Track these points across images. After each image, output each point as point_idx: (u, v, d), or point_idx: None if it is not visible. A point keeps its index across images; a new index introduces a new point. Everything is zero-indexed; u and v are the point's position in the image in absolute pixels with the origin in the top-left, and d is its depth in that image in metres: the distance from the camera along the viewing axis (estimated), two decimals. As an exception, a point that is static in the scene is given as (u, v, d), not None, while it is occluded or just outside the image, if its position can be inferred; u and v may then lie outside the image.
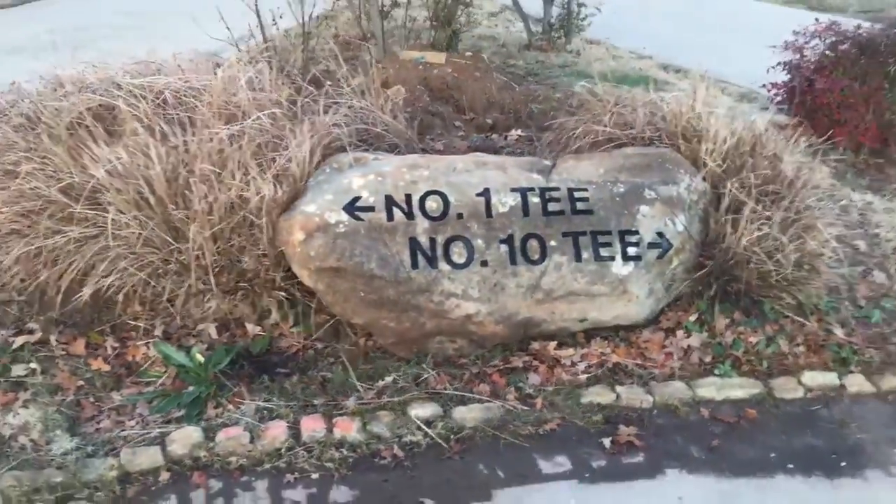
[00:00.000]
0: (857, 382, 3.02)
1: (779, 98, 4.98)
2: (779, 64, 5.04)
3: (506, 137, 4.74)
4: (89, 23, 9.24)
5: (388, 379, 3.03)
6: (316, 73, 4.27)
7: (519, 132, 4.77)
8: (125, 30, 8.76)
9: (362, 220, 3.07)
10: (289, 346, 3.24)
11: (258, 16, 5.58)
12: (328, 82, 4.24)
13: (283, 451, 2.67)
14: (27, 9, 10.24)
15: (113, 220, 3.07)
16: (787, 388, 2.99)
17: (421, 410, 2.85)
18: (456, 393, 2.97)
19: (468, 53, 5.73)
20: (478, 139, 4.58)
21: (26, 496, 2.42)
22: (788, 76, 5.02)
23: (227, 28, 5.41)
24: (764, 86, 5.16)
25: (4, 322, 3.21)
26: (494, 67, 6.13)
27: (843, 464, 2.67)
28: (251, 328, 3.26)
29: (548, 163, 3.46)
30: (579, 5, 8.25)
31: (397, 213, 3.11)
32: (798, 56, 4.99)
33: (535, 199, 3.21)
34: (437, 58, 5.12)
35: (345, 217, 3.06)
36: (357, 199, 3.11)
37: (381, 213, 3.10)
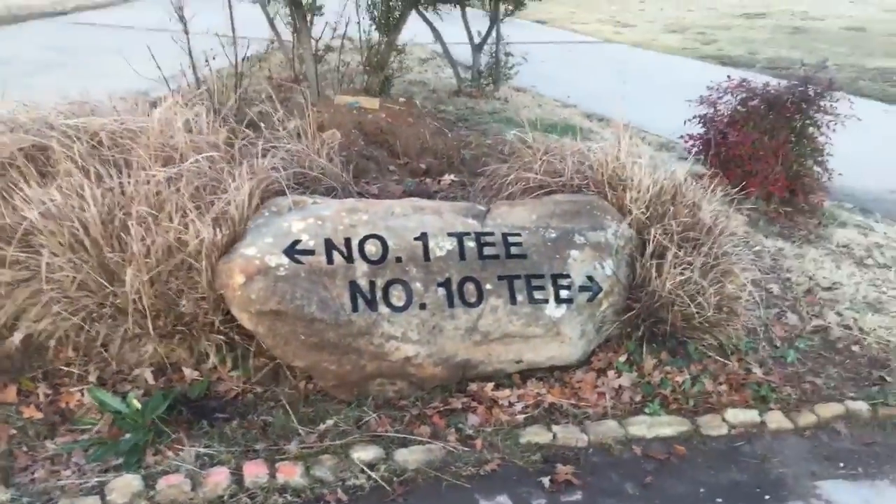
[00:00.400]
0: (776, 419, 3.21)
1: (695, 149, 5.28)
2: (695, 117, 5.35)
3: (439, 182, 4.86)
4: (13, 56, 8.99)
5: (330, 422, 3.04)
6: (251, 115, 4.31)
7: (452, 177, 4.90)
8: (52, 66, 8.58)
9: (302, 263, 3.11)
10: (227, 390, 3.21)
11: (190, 56, 5.59)
12: (263, 125, 4.28)
13: (225, 497, 2.64)
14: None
15: (47, 263, 3.02)
16: (712, 426, 3.15)
17: (363, 453, 2.87)
18: (397, 435, 3.00)
19: (401, 99, 5.86)
20: (412, 184, 4.69)
21: (-48, 553, 2.33)
22: (703, 129, 5.33)
23: (158, 67, 5.40)
24: (681, 137, 5.46)
25: (-74, 370, 3.09)
26: (426, 113, 6.29)
27: (766, 497, 2.82)
28: (188, 373, 3.22)
29: (482, 208, 3.58)
30: (507, 54, 8.56)
31: (337, 256, 3.16)
32: (712, 110, 5.31)
33: (470, 244, 3.32)
34: (371, 103, 5.22)
35: (285, 260, 3.09)
36: (297, 242, 3.15)
37: (321, 257, 3.14)
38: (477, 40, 8.47)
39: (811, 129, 5.10)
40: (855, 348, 3.70)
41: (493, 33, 8.46)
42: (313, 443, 2.94)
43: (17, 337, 3.06)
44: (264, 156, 3.62)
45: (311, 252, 3.13)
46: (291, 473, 2.76)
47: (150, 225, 3.10)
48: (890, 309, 4.05)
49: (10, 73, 8.11)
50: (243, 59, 6.01)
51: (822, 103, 5.06)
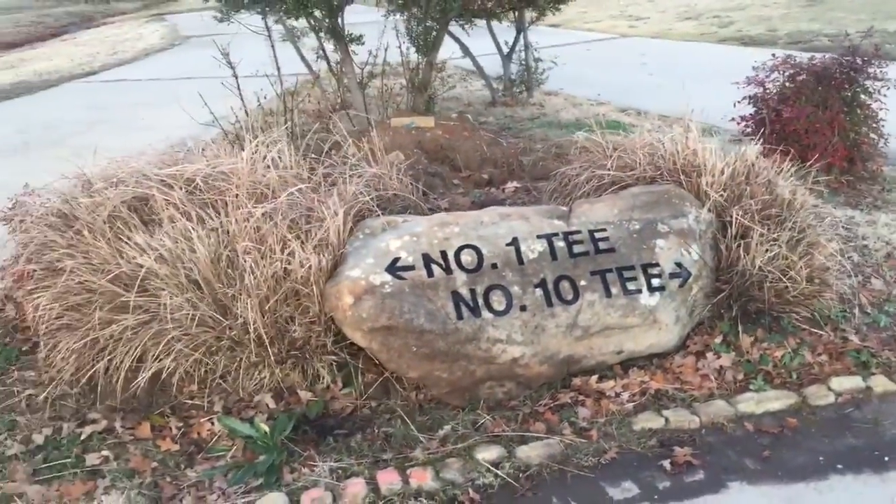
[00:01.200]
0: (880, 383, 3.26)
1: (748, 130, 5.35)
2: (744, 98, 5.42)
3: (503, 190, 4.99)
4: (57, 119, 9.33)
5: (448, 427, 3.16)
6: (322, 145, 4.48)
7: (515, 184, 5.03)
8: (95, 123, 8.89)
9: (405, 278, 3.25)
10: (342, 407, 3.35)
11: (240, 97, 5.81)
12: (334, 152, 4.45)
13: (365, 506, 2.78)
14: (-12, 110, 10.28)
15: (164, 304, 3.19)
16: (819, 396, 3.22)
17: (486, 454, 2.99)
18: (515, 434, 3.11)
19: (453, 115, 6.01)
20: (480, 194, 4.82)
21: (128, 580, 2.48)
22: (755, 109, 5.40)
23: (211, 112, 5.61)
24: (732, 119, 5.54)
25: (64, 415, 3.27)
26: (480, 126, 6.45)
27: (886, 458, 2.89)
28: (303, 394, 3.36)
29: (564, 209, 3.70)
30: (536, 60, 8.69)
31: (436, 269, 3.30)
32: (761, 89, 5.38)
33: (560, 244, 3.44)
34: (427, 121, 5.38)
35: (388, 278, 3.23)
36: (397, 259, 3.29)
37: (421, 271, 3.28)
38: (505, 50, 8.63)
39: (863, 97, 5.15)
40: (945, 306, 3.75)
41: (521, 41, 8.61)
42: (436, 448, 3.06)
43: (144, 376, 3.23)
44: (348, 182, 3.77)
45: (411, 268, 3.27)
46: (423, 478, 2.88)
47: (256, 258, 3.26)
48: (970, 264, 4.09)
49: (60, 135, 8.46)
50: (285, 95, 6.22)
51: (870, 70, 5.12)
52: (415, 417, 3.23)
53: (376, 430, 3.19)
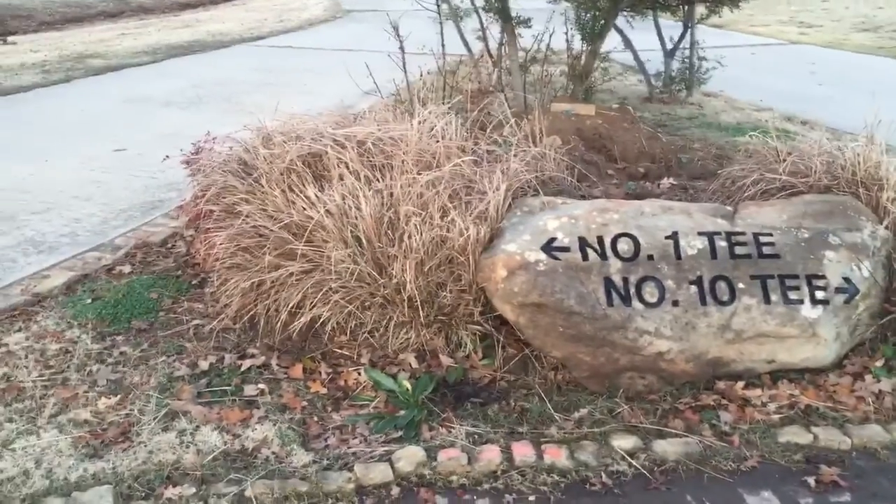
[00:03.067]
0: None
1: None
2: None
3: (658, 185, 4.90)
4: (228, 78, 9.94)
5: (584, 411, 3.18)
6: (485, 122, 4.57)
7: (671, 181, 4.93)
8: (262, 85, 9.42)
9: (559, 259, 3.28)
10: (481, 377, 3.43)
11: (404, 70, 5.98)
12: (498, 131, 4.52)
13: (498, 473, 2.84)
14: (166, 65, 11.09)
15: (328, 256, 3.37)
16: None
17: (622, 442, 2.99)
18: (652, 427, 3.09)
19: (614, 105, 5.95)
20: (634, 186, 4.76)
21: (277, 503, 2.66)
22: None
23: (375, 83, 5.81)
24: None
25: (226, 347, 3.53)
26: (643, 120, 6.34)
27: None
28: (444, 359, 3.46)
29: (729, 209, 3.60)
30: (700, 59, 8.43)
31: (591, 253, 3.30)
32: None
33: (721, 243, 3.36)
34: (587, 109, 5.36)
35: (543, 256, 3.27)
36: (553, 239, 3.32)
37: (576, 254, 3.30)
38: (669, 46, 8.42)
39: None
40: None
41: (686, 38, 8.36)
42: (571, 429, 3.09)
43: (302, 321, 3.43)
44: (510, 159, 3.83)
45: (566, 249, 3.30)
46: (557, 455, 2.91)
47: (416, 223, 3.38)
48: None
49: (231, 92, 9.02)
50: (446, 73, 6.35)
51: None
52: (552, 396, 3.27)
53: (513, 404, 3.25)
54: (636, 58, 8.37)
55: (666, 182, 4.92)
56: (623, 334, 3.22)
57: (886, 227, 3.48)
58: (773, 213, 3.51)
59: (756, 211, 3.54)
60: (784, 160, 3.84)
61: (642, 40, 8.38)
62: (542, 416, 3.17)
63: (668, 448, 2.96)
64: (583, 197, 4.31)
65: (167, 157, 4.76)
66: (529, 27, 6.39)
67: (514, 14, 6.47)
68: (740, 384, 3.29)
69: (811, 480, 2.82)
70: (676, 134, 6.61)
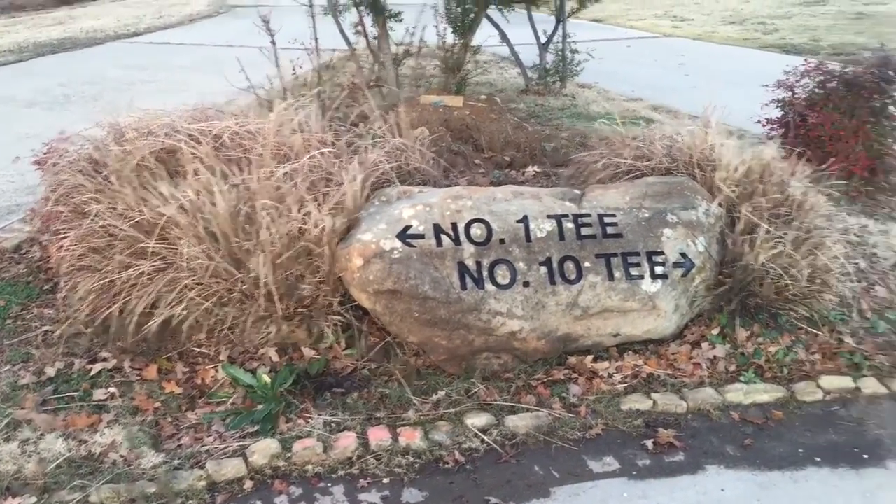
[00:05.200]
0: (870, 385, 3.30)
1: (773, 132, 5.36)
2: (773, 101, 5.43)
3: (523, 173, 5.07)
4: (98, 76, 9.56)
5: (442, 393, 3.27)
6: (351, 115, 4.60)
7: (536, 168, 5.11)
8: (135, 83, 9.10)
9: (414, 246, 3.35)
10: (343, 367, 3.47)
11: (277, 66, 5.92)
12: (362, 124, 4.56)
13: (354, 459, 2.89)
14: (33, 64, 10.57)
15: (181, 253, 3.32)
16: (807, 392, 3.27)
17: (476, 420, 3.09)
18: (505, 404, 3.21)
19: (482, 97, 6.08)
20: (499, 174, 4.91)
21: (125, 505, 2.62)
22: (782, 112, 5.40)
23: (247, 78, 5.74)
24: (758, 121, 5.54)
25: (76, 352, 3.43)
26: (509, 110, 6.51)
27: (865, 456, 2.94)
28: (307, 352, 3.48)
29: (577, 192, 3.77)
30: (573, 51, 8.71)
31: (445, 239, 3.39)
32: (790, 94, 5.38)
33: (569, 225, 3.51)
34: (455, 101, 5.46)
35: (398, 244, 3.34)
36: (408, 227, 3.39)
37: (430, 240, 3.38)
38: (543, 39, 8.66)
39: (891, 109, 5.13)
40: (946, 318, 3.76)
41: (559, 32, 8.63)
42: (428, 412, 3.17)
43: (156, 321, 3.37)
44: (370, 151, 3.87)
45: (421, 236, 3.37)
46: (412, 437, 2.99)
47: (273, 216, 3.38)
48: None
49: (100, 90, 8.69)
50: (321, 67, 6.34)
51: (900, 83, 5.09)
52: (412, 381, 3.34)
53: (373, 391, 3.31)
54: (512, 51, 8.56)
55: (531, 169, 5.09)
56: (477, 316, 3.32)
57: (720, 205, 3.72)
58: (616, 195, 3.69)
59: (602, 193, 3.72)
60: (629, 145, 4.04)
61: (519, 34, 8.58)
62: (401, 400, 3.24)
63: (518, 423, 3.09)
64: (449, 186, 4.42)
65: (17, 158, 4.56)
66: (401, 21, 6.45)
67: (388, 8, 6.51)
68: (589, 358, 3.46)
69: (649, 443, 3.00)
70: (547, 124, 6.81)
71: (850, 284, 3.80)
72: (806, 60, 5.49)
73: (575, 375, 3.39)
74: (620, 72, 10.05)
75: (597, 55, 9.02)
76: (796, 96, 5.39)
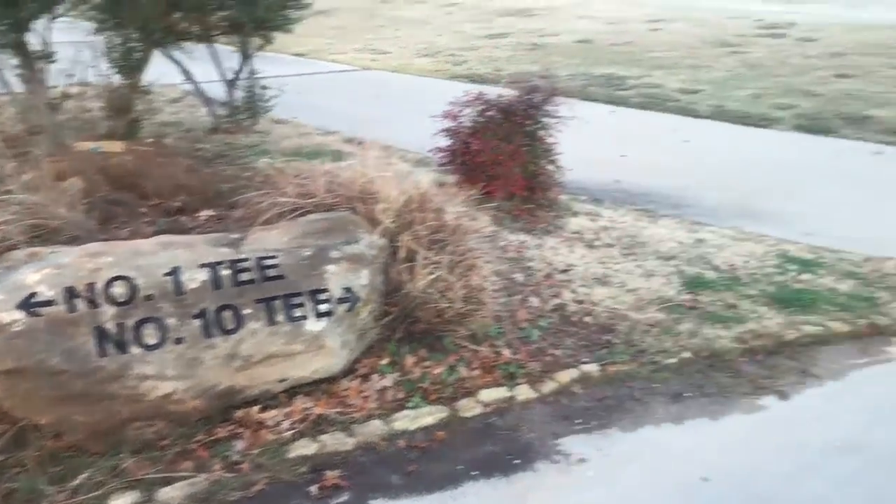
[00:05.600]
0: (523, 392, 3.54)
1: (444, 160, 5.66)
2: (441, 130, 5.73)
3: (195, 218, 4.81)
4: None
5: (83, 476, 2.90)
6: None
7: (210, 212, 4.87)
8: None
9: (41, 315, 2.98)
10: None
11: None
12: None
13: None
14: None
15: None
16: (468, 408, 3.41)
17: (120, 501, 2.80)
18: (158, 476, 2.94)
19: (149, 140, 5.71)
20: (164, 223, 4.60)
21: None
22: (450, 140, 5.72)
23: None
24: (430, 150, 5.83)
25: None
26: (181, 152, 6.18)
27: (516, 461, 3.12)
28: None
29: (236, 236, 3.62)
30: (262, 87, 8.59)
31: (79, 303, 3.06)
32: (455, 123, 5.72)
33: (225, 272, 3.35)
34: (114, 146, 5.06)
35: (20, 315, 2.95)
36: (33, 294, 3.01)
37: (61, 306, 3.02)
38: (230, 76, 8.43)
39: (541, 132, 5.66)
40: (587, 319, 4.16)
41: (247, 68, 8.46)
42: (66, 501, 2.81)
43: None
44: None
45: (49, 303, 3.01)
46: (45, 535, 2.62)
47: None
48: (614, 281, 4.60)
49: None
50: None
51: (547, 108, 5.64)
52: (46, 469, 2.93)
53: (0, 486, 2.86)
54: (197, 89, 8.21)
55: (204, 214, 4.85)
56: (122, 384, 3.02)
57: (381, 236, 3.79)
58: (277, 236, 3.61)
59: (263, 235, 3.61)
60: (291, 183, 3.99)
61: (208, 70, 8.27)
62: (32, 493, 2.83)
63: (172, 494, 2.86)
64: (106, 241, 4.04)
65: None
66: (53, 62, 5.86)
67: (45, 48, 5.87)
68: (256, 408, 3.31)
69: (314, 489, 2.93)
70: (235, 163, 6.59)
71: (504, 299, 4.07)
72: (466, 92, 5.87)
73: (241, 430, 3.21)
74: (322, 105, 10.14)
75: (298, 89, 9.00)
76: (461, 125, 5.74)
